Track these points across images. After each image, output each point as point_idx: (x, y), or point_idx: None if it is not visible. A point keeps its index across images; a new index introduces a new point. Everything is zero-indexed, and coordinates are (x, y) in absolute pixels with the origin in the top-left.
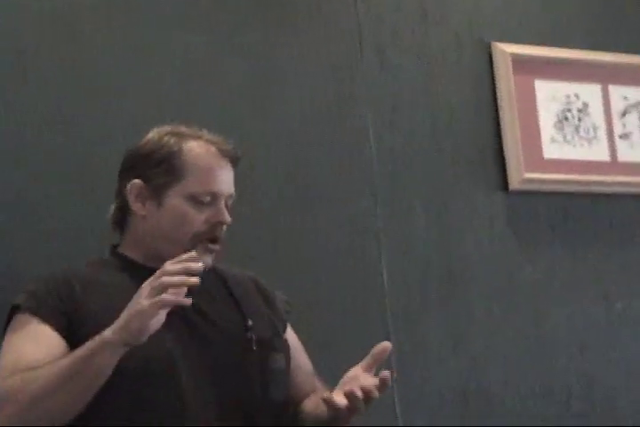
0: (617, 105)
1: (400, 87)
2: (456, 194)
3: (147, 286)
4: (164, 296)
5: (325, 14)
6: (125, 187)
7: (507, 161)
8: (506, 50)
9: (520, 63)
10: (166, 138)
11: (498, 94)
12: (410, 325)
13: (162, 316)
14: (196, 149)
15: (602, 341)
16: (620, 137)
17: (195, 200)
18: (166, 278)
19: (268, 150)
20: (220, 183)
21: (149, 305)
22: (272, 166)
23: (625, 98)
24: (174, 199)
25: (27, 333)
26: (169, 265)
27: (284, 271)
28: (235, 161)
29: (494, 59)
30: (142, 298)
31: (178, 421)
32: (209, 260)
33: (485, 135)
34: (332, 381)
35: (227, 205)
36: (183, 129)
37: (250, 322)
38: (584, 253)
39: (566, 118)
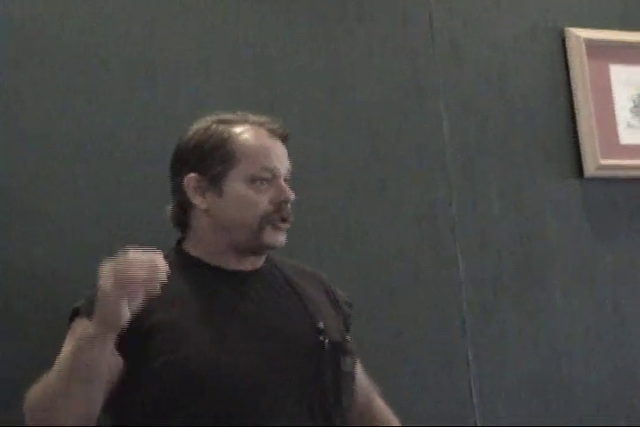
0: None
1: (473, 76)
2: (531, 182)
3: (110, 269)
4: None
5: (397, 4)
6: (181, 183)
7: (582, 147)
8: (580, 35)
9: (594, 48)
10: (213, 127)
11: (572, 80)
12: (486, 315)
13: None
14: (245, 132)
15: None
16: None
17: (254, 182)
18: (133, 272)
19: (342, 141)
20: (275, 160)
21: (114, 292)
22: (346, 157)
23: None
24: (234, 185)
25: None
26: (136, 254)
27: (358, 263)
28: (284, 139)
29: (568, 44)
30: (107, 283)
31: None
32: (281, 239)
33: (560, 122)
34: (405, 373)
35: (286, 182)
36: (228, 116)
37: (321, 324)
38: None
39: None
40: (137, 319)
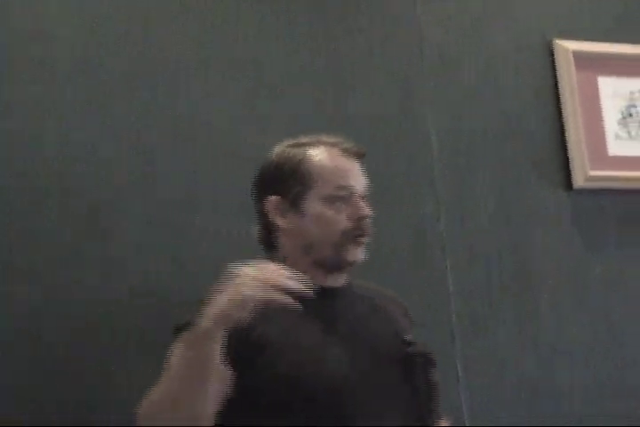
0: None
1: (462, 88)
2: (520, 194)
3: (248, 278)
4: (276, 296)
5: (386, 15)
6: (264, 205)
7: (571, 159)
8: (568, 47)
9: (582, 60)
10: (288, 150)
11: (561, 92)
12: (476, 327)
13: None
14: (320, 153)
15: None
16: None
17: (332, 201)
18: (277, 281)
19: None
20: (349, 179)
21: (253, 297)
22: None
23: None
24: (313, 205)
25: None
26: (277, 272)
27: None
28: (358, 156)
29: (556, 56)
30: (246, 288)
31: None
32: (361, 254)
33: (549, 133)
34: None
35: (363, 199)
36: (302, 139)
37: (409, 336)
38: None
39: (630, 115)
40: (243, 333)
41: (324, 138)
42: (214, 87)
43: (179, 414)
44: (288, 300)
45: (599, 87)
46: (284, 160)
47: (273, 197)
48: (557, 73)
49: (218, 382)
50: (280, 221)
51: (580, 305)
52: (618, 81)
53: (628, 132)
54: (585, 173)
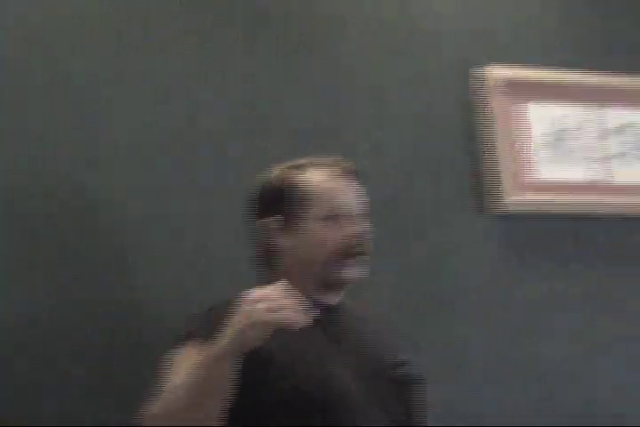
0: (609, 127)
1: (387, 112)
2: (447, 218)
3: (264, 301)
4: (291, 317)
5: (314, 37)
6: (265, 225)
7: (489, 184)
8: (498, 72)
9: (512, 85)
10: (287, 171)
11: (482, 116)
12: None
13: None
14: (315, 175)
15: (603, 363)
16: (613, 158)
17: (327, 220)
18: (289, 303)
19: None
20: (345, 199)
21: (270, 322)
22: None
23: (617, 119)
24: (309, 225)
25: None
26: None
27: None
28: (353, 175)
29: (487, 82)
30: (261, 311)
31: None
32: (356, 272)
33: (477, 157)
34: None
35: (360, 218)
36: (301, 160)
37: (403, 357)
38: (576, 275)
39: (559, 140)
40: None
41: (322, 159)
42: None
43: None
44: (300, 318)
45: (527, 112)
46: (284, 182)
47: (274, 218)
48: (480, 98)
49: (226, 401)
50: (280, 241)
51: (503, 329)
52: (539, 107)
53: (556, 158)
54: (513, 196)
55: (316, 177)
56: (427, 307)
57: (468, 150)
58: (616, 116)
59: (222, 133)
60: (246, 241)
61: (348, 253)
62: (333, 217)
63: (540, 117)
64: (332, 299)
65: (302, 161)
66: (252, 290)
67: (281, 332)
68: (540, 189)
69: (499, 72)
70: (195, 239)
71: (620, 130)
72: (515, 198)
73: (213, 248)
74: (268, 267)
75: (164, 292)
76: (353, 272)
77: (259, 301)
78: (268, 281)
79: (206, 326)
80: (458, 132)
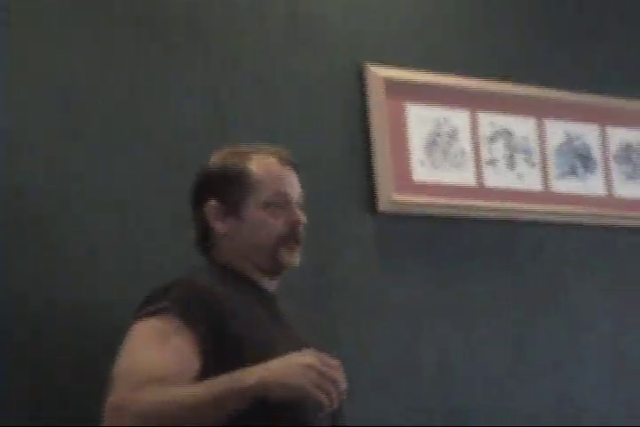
0: (485, 132)
1: (274, 109)
2: (326, 216)
3: (313, 368)
4: (324, 401)
5: (202, 35)
6: (202, 209)
7: (376, 183)
8: (379, 73)
9: (393, 86)
10: (230, 158)
11: (370, 117)
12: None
13: None
14: (259, 161)
15: (464, 366)
16: (487, 163)
17: (269, 207)
18: (331, 385)
19: (137, 170)
20: (288, 186)
21: (305, 391)
22: (147, 193)
23: (493, 125)
24: (252, 210)
25: (167, 339)
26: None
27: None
28: (295, 166)
29: (367, 81)
30: (306, 379)
31: None
32: (296, 259)
33: (357, 157)
34: None
35: (299, 207)
36: (242, 148)
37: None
38: (450, 277)
39: (435, 143)
40: (217, 329)
41: (263, 147)
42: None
43: None
44: (326, 402)
45: (407, 114)
46: (226, 167)
47: (212, 202)
48: (367, 97)
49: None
50: (219, 226)
51: (382, 328)
52: (425, 109)
53: (433, 160)
54: (389, 197)
55: (260, 163)
56: (307, 303)
57: (349, 150)
58: (491, 122)
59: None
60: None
61: (288, 239)
62: (274, 204)
63: (420, 119)
64: (271, 286)
65: (244, 148)
66: (310, 351)
67: (244, 313)
68: (415, 191)
69: (381, 73)
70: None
71: (495, 136)
72: (392, 199)
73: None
74: (206, 252)
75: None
76: (291, 259)
77: (311, 367)
78: (207, 266)
79: (179, 303)
80: (341, 131)
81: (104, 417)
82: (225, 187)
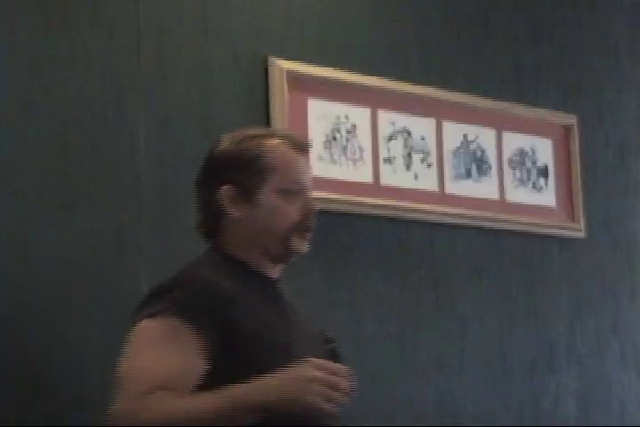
0: (384, 129)
1: (175, 98)
2: None
3: (319, 381)
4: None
5: (103, 18)
6: (214, 194)
7: None
8: (282, 66)
9: (295, 80)
10: (245, 142)
11: (271, 109)
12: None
13: None
14: (277, 148)
15: (348, 362)
16: (384, 161)
17: (285, 194)
18: (337, 381)
19: (34, 154)
20: (303, 173)
21: (314, 405)
22: (36, 171)
23: (392, 123)
24: (267, 197)
25: (170, 341)
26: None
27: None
28: (308, 150)
29: (270, 74)
30: (312, 392)
31: None
32: (305, 247)
33: None
34: None
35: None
36: (256, 131)
37: (330, 334)
38: (341, 272)
39: (335, 138)
40: (222, 327)
41: (278, 131)
42: None
43: None
44: (335, 410)
45: (308, 108)
46: (241, 152)
47: (227, 187)
48: (270, 90)
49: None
50: (232, 211)
51: None
52: (326, 104)
53: (331, 155)
54: None
55: (275, 149)
56: None
57: None
58: (391, 121)
59: None
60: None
61: (301, 227)
62: (289, 191)
63: (320, 115)
64: (274, 273)
65: (257, 131)
66: (314, 360)
67: (236, 305)
68: (312, 185)
69: (284, 66)
70: None
71: (394, 135)
72: None
73: None
74: (210, 236)
75: None
76: (302, 246)
77: (317, 381)
78: (210, 251)
79: (181, 304)
80: (242, 123)
81: (110, 424)
82: (241, 172)
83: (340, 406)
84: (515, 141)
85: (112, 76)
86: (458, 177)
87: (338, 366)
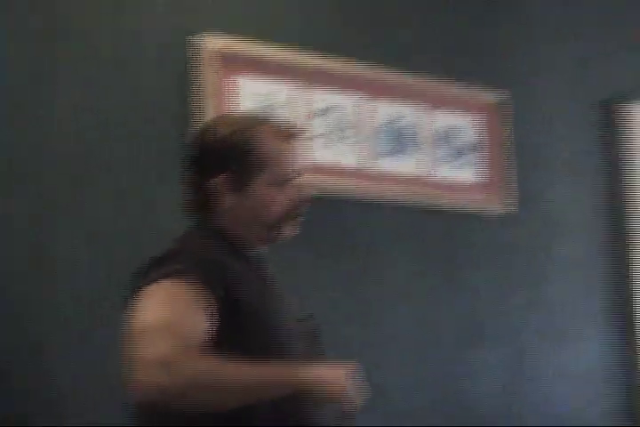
0: (315, 106)
1: (104, 76)
2: (142, 187)
3: (350, 381)
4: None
5: (22, 2)
6: (208, 181)
7: None
8: (213, 43)
9: (226, 58)
10: (239, 130)
11: (198, 87)
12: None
13: None
14: (271, 137)
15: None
16: (317, 138)
17: (278, 184)
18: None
19: None
20: (296, 163)
21: (346, 398)
22: None
23: (321, 101)
24: (261, 187)
25: (185, 301)
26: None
27: None
28: (299, 137)
29: (201, 52)
30: (347, 388)
31: None
32: (295, 231)
33: (181, 129)
34: None
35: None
36: (249, 117)
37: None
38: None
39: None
40: (229, 293)
41: (270, 118)
42: None
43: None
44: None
45: (234, 86)
46: (236, 141)
47: (222, 176)
48: (198, 68)
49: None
50: (226, 198)
51: None
52: (254, 81)
53: None
54: None
55: (269, 139)
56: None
57: (178, 118)
58: (320, 98)
59: None
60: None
61: (291, 215)
62: (283, 181)
63: (250, 92)
64: (262, 248)
65: (250, 118)
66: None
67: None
68: None
69: (213, 43)
70: None
71: (322, 112)
72: None
73: None
74: (204, 221)
75: None
76: (292, 231)
77: (347, 382)
78: (196, 232)
79: (194, 266)
80: (172, 100)
81: (141, 370)
82: (236, 163)
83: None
84: (443, 118)
85: (27, 45)
86: (386, 153)
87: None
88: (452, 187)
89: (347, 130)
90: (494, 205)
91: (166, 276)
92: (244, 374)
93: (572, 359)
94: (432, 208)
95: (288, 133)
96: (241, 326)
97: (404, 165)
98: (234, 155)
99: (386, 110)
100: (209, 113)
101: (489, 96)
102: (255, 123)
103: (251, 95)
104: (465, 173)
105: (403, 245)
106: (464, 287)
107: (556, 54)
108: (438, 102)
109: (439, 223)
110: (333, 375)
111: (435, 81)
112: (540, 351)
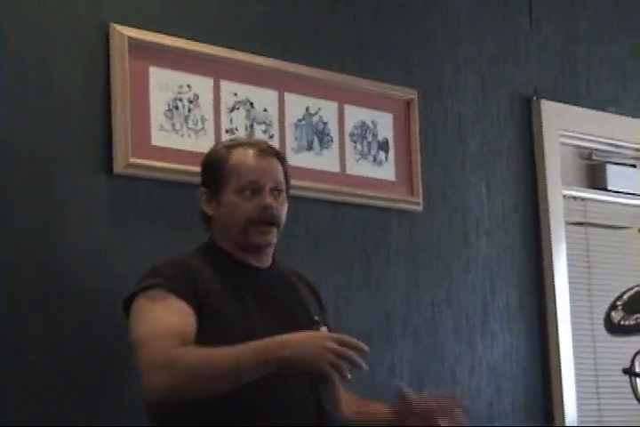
0: (226, 100)
1: (12, 66)
2: (61, 175)
3: (332, 341)
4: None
5: None
6: (199, 196)
7: (114, 145)
8: (123, 32)
9: (136, 48)
10: (220, 149)
11: (112, 78)
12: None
13: None
14: (239, 153)
15: None
16: (227, 131)
17: (242, 192)
18: (351, 354)
19: None
20: (259, 174)
21: (325, 363)
22: None
23: (234, 94)
24: (228, 196)
25: (168, 304)
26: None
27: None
28: (276, 155)
29: (111, 41)
30: (323, 358)
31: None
32: (266, 239)
33: (96, 118)
34: None
35: (277, 195)
36: (235, 141)
37: (316, 317)
38: (183, 242)
39: (177, 108)
40: (202, 305)
41: (251, 140)
42: None
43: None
44: (337, 376)
45: (150, 77)
46: (213, 158)
47: (202, 189)
48: (111, 58)
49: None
50: (206, 209)
51: (107, 291)
52: (168, 73)
53: (173, 125)
54: (126, 159)
55: (239, 155)
56: (33, 272)
57: (89, 109)
58: (233, 91)
59: None
60: None
61: (258, 222)
62: (247, 190)
63: (162, 83)
64: (260, 262)
65: (237, 141)
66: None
67: (215, 290)
68: (153, 155)
69: (125, 33)
70: None
71: (236, 106)
72: (128, 162)
73: None
74: (207, 230)
75: None
76: (262, 238)
77: (329, 350)
78: (203, 246)
79: (167, 280)
80: (83, 90)
81: (148, 375)
82: (210, 175)
83: (345, 373)
84: (356, 115)
85: None
86: (299, 149)
87: (353, 340)
88: (366, 183)
89: (261, 125)
90: (407, 202)
91: (143, 289)
92: (233, 353)
93: (487, 354)
94: (346, 204)
95: (258, 151)
96: (216, 331)
97: (319, 161)
98: (208, 171)
99: (301, 105)
100: (121, 103)
101: (403, 93)
102: (234, 144)
103: (164, 87)
104: (379, 169)
105: (316, 240)
106: (378, 282)
107: (469, 51)
108: (353, 98)
109: (352, 219)
110: (308, 335)
111: (350, 77)
112: (454, 347)
